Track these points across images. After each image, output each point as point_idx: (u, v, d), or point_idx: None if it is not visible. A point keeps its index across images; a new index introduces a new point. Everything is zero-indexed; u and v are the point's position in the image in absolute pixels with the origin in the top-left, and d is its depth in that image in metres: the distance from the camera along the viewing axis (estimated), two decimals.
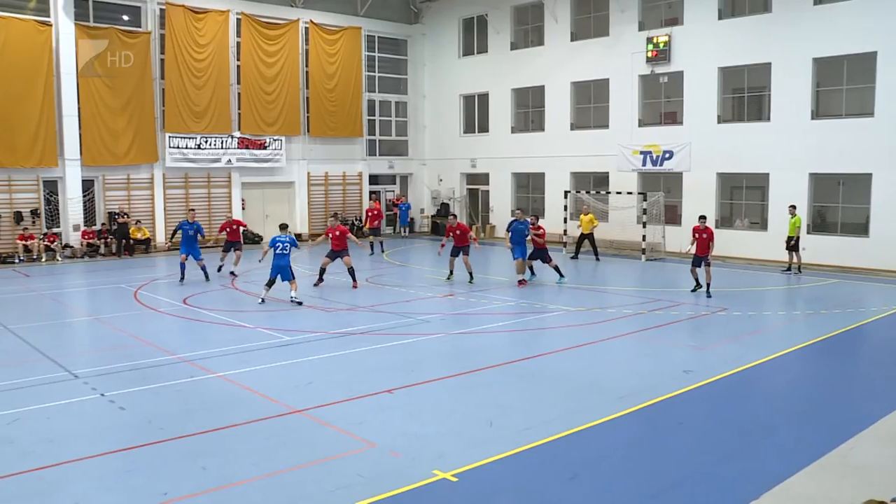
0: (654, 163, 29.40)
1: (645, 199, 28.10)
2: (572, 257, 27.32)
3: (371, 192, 37.23)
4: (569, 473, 7.89)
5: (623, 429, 9.44)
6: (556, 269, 21.23)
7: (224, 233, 23.88)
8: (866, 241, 24.15)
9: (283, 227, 19.72)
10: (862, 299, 19.01)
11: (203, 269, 21.84)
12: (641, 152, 29.72)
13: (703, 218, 19.81)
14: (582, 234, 27.32)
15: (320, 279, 21.01)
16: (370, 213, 29.36)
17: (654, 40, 29.03)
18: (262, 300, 18.06)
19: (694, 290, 19.34)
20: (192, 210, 23.54)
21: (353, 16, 36.19)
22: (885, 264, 23.18)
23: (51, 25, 28.02)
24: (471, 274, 21.31)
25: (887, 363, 13.36)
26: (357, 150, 36.84)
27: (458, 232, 21.49)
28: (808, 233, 25.12)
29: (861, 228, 24.55)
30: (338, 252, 20.72)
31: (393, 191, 38.98)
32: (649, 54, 29.17)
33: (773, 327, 15.91)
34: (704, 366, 12.28)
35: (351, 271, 20.67)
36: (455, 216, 23.26)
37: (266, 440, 8.92)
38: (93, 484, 7.78)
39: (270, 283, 18.27)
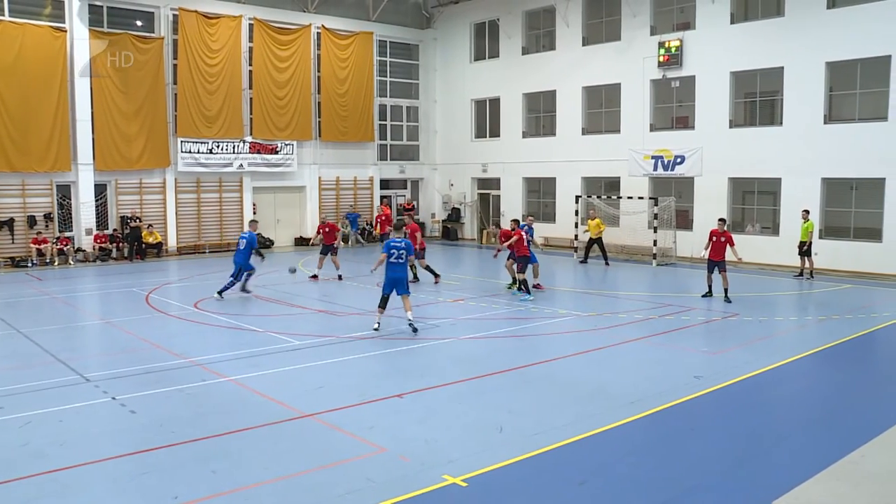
0: (665, 167, 29.34)
1: (656, 204, 28.05)
2: (581, 262, 27.29)
3: (382, 197, 37.30)
4: (579, 479, 7.87)
5: (633, 434, 9.41)
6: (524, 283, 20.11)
7: (320, 236, 23.76)
8: (879, 247, 24.01)
9: (399, 226, 17.32)
10: (874, 305, 18.89)
11: (245, 281, 20.18)
12: (653, 157, 29.67)
13: (721, 221, 19.70)
14: (591, 238, 27.29)
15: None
16: (380, 219, 29.33)
17: (666, 45, 28.99)
18: (377, 327, 15.33)
19: (705, 296, 19.28)
20: (255, 221, 22.63)
21: (364, 21, 36.28)
22: None
23: (65, 31, 28.24)
24: (514, 279, 20.70)
25: None
26: (368, 154, 36.91)
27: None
28: (821, 237, 25.01)
29: (875, 233, 24.41)
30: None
31: (404, 195, 39.02)
32: (661, 59, 29.13)
33: (784, 333, 15.84)
34: (715, 371, 12.23)
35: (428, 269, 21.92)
36: (516, 220, 21.46)
37: (276, 444, 8.93)
38: (105, 486, 7.81)
39: (384, 302, 15.39)
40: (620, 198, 30.06)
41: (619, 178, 30.96)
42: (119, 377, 11.91)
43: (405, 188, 39.22)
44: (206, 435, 9.18)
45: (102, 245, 28.96)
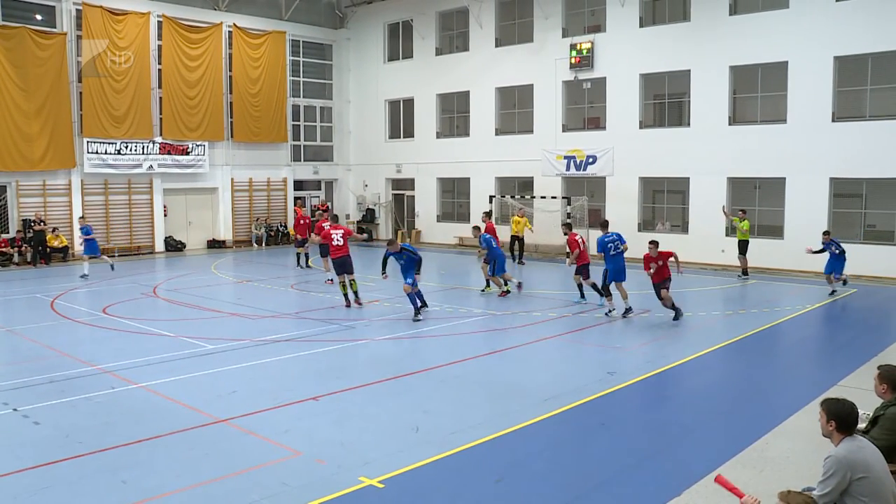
0: (577, 167, 29.84)
1: (569, 204, 28.50)
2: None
3: (296, 198, 36.92)
4: (495, 477, 7.94)
5: (548, 431, 9.54)
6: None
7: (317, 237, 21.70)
8: (781, 243, 24.93)
9: (605, 224, 18.89)
10: (777, 299, 19.62)
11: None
12: (565, 157, 30.14)
13: (653, 244, 16.57)
14: (512, 235, 27.56)
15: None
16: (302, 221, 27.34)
17: (578, 47, 29.48)
18: (612, 311, 17.24)
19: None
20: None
21: (277, 20, 35.85)
22: (798, 265, 23.91)
23: None
24: (487, 283, 20.72)
25: (800, 360, 13.84)
26: (282, 155, 36.49)
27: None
28: (726, 235, 25.83)
29: (777, 231, 25.34)
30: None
31: (319, 196, 38.71)
32: (573, 60, 29.61)
33: (694, 328, 16.27)
34: (628, 367, 12.50)
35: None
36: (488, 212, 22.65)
37: (189, 451, 8.76)
38: (7, 502, 7.51)
39: (606, 289, 17.73)
40: (534, 197, 30.44)
41: (532, 177, 31.36)
42: (21, 387, 11.47)
43: (320, 189, 38.90)
44: (115, 444, 8.92)
45: (3, 250, 27.84)
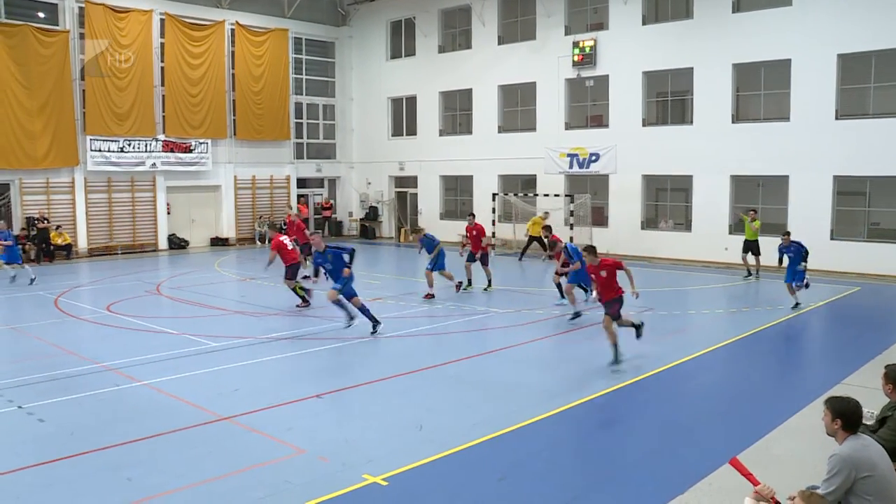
0: (580, 165, 29.82)
1: (572, 202, 28.50)
2: (519, 259, 27.57)
3: (299, 196, 36.96)
4: (497, 475, 7.94)
5: (550, 429, 9.53)
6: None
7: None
8: None
9: (787, 233, 18.63)
10: (781, 298, 19.54)
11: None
12: (568, 155, 30.12)
13: (589, 251, 13.09)
14: (530, 236, 27.57)
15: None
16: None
17: (580, 45, 29.45)
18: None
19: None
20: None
21: (279, 17, 35.84)
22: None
23: None
24: (490, 281, 20.57)
25: (804, 359, 13.82)
26: (285, 153, 36.49)
27: (474, 233, 20.89)
28: (730, 233, 25.80)
29: (780, 229, 25.24)
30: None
31: (322, 194, 38.73)
32: (575, 58, 29.58)
33: (697, 326, 16.27)
34: (631, 365, 12.47)
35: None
36: (473, 216, 21.87)
37: (193, 448, 8.78)
38: (9, 501, 7.53)
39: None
40: (537, 195, 30.43)
41: (535, 175, 31.33)
42: (26, 384, 11.50)
43: (322, 187, 38.92)
44: (119, 441, 8.94)
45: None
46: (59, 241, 28.93)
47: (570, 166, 30.15)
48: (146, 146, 31.40)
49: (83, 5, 29.57)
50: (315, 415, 10.01)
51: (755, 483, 5.71)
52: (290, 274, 18.26)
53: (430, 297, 19.04)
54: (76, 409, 10.33)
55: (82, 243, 30.09)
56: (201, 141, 32.94)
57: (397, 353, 13.72)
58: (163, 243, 32.33)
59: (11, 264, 22.31)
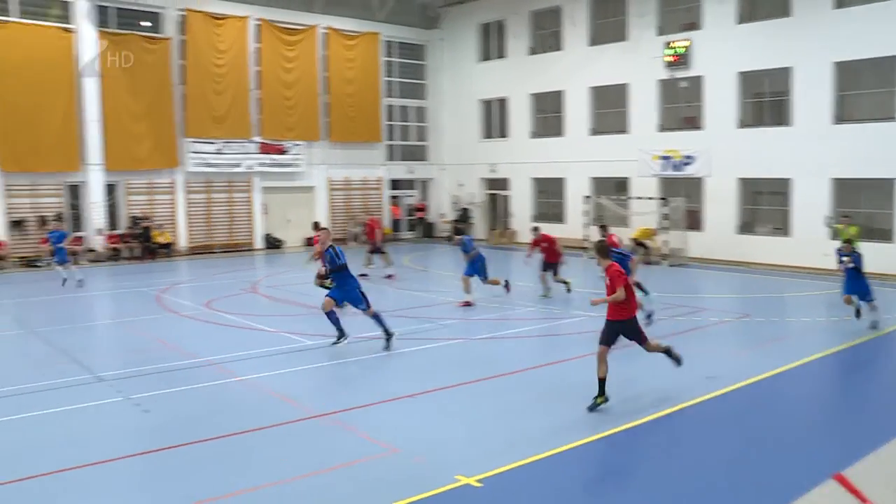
0: (674, 168, 29.30)
1: (666, 205, 28.02)
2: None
3: (393, 198, 37.42)
4: (593, 480, 7.88)
5: (645, 435, 9.38)
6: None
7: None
8: (891, 247, 23.89)
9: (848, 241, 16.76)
10: (887, 305, 18.80)
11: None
12: (661, 157, 29.63)
13: (602, 243, 14.91)
14: (635, 240, 27.01)
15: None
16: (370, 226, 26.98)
17: (674, 45, 28.93)
18: None
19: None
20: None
21: (370, 21, 36.29)
22: None
23: (73, 32, 28.32)
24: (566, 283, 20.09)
25: None
26: (377, 154, 36.95)
27: (544, 245, 19.82)
28: (831, 238, 24.92)
29: (886, 234, 24.32)
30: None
31: (413, 196, 39.06)
32: (668, 59, 29.08)
33: (796, 334, 15.80)
34: (727, 373, 12.19)
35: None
36: (537, 228, 21.01)
37: (288, 444, 8.97)
38: (116, 485, 7.88)
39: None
40: (629, 198, 30.03)
41: (627, 178, 30.91)
42: (132, 376, 11.96)
43: (414, 189, 39.24)
44: (217, 435, 9.20)
45: (113, 245, 29.07)
46: (161, 239, 29.99)
47: (664, 169, 29.65)
48: (242, 148, 32.26)
49: (184, 14, 30.62)
50: (408, 414, 10.09)
51: (865, 501, 5.51)
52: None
53: (466, 304, 18.29)
54: (178, 402, 10.69)
55: (182, 242, 31.11)
56: (296, 143, 33.65)
57: (493, 355, 13.73)
58: (258, 242, 33.13)
59: (63, 265, 22.22)
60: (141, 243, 29.39)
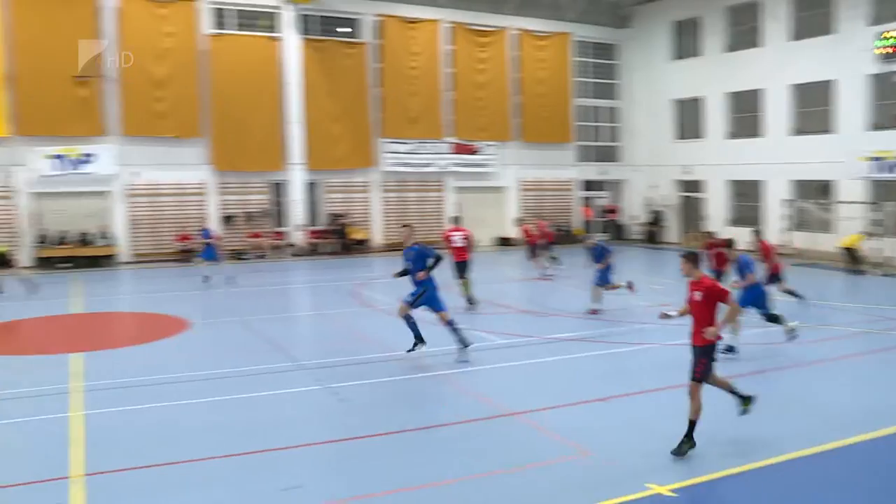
0: (886, 170, 27.23)
1: (877, 210, 26.08)
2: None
3: (585, 199, 37.18)
4: (799, 495, 7.48)
5: (846, 458, 8.63)
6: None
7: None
8: None
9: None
10: None
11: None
12: (872, 159, 27.64)
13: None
14: (845, 248, 25.37)
15: None
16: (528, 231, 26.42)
17: (888, 35, 26.84)
18: None
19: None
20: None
21: (561, 21, 36.15)
22: None
23: (279, 40, 30.13)
24: None
25: None
26: (567, 155, 36.80)
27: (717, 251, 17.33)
28: None
29: None
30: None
31: (605, 197, 38.56)
32: (881, 51, 27.06)
33: None
34: None
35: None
36: (709, 232, 19.75)
37: (479, 440, 9.07)
38: (312, 468, 8.29)
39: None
40: (834, 203, 28.22)
41: (832, 181, 29.06)
42: (331, 366, 12.51)
43: (605, 190, 38.72)
44: (410, 427, 9.46)
45: (312, 240, 30.66)
46: (357, 236, 31.31)
47: (874, 171, 27.65)
48: (435, 148, 33.08)
49: (380, 19, 31.81)
50: (599, 417, 9.95)
51: None
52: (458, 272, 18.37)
53: (594, 312, 17.29)
54: (373, 393, 11.11)
55: (377, 238, 32.29)
56: (487, 143, 34.12)
57: (686, 361, 13.28)
58: None
59: (209, 262, 23.03)
60: (338, 239, 30.82)
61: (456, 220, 19.95)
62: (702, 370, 8.72)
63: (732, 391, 9.11)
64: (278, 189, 31.14)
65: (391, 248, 32.19)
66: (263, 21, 30.48)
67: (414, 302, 13.10)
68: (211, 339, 15.43)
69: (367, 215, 32.33)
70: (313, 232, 31.05)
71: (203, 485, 7.83)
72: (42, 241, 27.64)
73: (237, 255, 29.19)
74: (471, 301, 18.10)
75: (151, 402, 10.70)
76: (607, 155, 38.57)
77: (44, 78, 27.12)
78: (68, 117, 27.65)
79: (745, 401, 9.13)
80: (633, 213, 38.40)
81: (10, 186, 27.46)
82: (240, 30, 29.90)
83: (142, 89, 28.54)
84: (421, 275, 13.13)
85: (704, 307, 8.74)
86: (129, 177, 28.90)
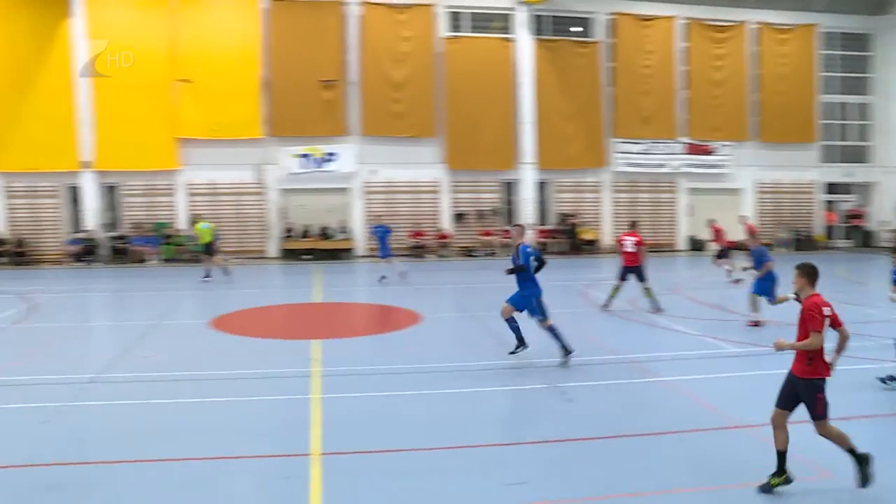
0: None
1: None
2: None
3: (827, 203, 34.80)
4: None
5: None
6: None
7: None
8: None
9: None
10: None
11: None
12: None
13: None
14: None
15: None
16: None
17: None
18: None
19: None
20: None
21: (806, 12, 34.04)
22: None
23: (512, 41, 30.55)
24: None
25: None
26: (810, 156, 34.67)
27: None
28: None
29: None
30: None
31: (850, 201, 35.88)
32: None
33: None
34: None
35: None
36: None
37: (704, 451, 8.73)
38: (537, 466, 8.27)
39: None
40: None
41: None
42: (557, 366, 12.46)
43: (852, 193, 36.00)
44: (634, 432, 9.25)
45: (542, 240, 30.83)
46: (586, 236, 31.17)
47: None
48: (668, 148, 32.22)
49: (613, 17, 31.39)
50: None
51: None
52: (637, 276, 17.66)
53: (755, 324, 15.85)
54: (599, 395, 11.01)
55: (606, 239, 31.94)
56: (723, 143, 32.79)
57: None
58: (681, 243, 32.85)
59: (387, 259, 23.32)
60: (567, 239, 30.80)
61: (632, 224, 19.51)
62: (818, 410, 7.44)
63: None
64: (509, 188, 31.61)
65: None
66: (497, 23, 31.05)
67: (518, 305, 12.84)
68: (441, 333, 15.93)
69: (597, 216, 32.08)
70: (542, 231, 31.21)
71: (428, 473, 8.10)
72: (288, 234, 29.72)
73: (467, 252, 29.96)
74: (654, 307, 17.56)
75: (382, 390, 11.25)
76: (855, 155, 35.84)
77: (294, 83, 29.33)
78: (314, 119, 29.76)
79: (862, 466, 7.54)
80: (883, 218, 35.34)
81: (262, 183, 29.83)
82: (474, 32, 30.65)
83: (381, 91, 30.09)
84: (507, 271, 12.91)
85: (802, 329, 7.45)
86: (368, 175, 30.49)
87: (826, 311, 7.24)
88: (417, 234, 30.17)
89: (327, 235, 30.28)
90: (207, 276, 23.47)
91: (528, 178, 31.35)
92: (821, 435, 7.51)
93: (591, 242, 31.38)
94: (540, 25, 31.37)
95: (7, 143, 28.86)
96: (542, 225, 31.52)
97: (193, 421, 9.89)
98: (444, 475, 8.03)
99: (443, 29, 30.63)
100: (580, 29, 32.09)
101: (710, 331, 15.51)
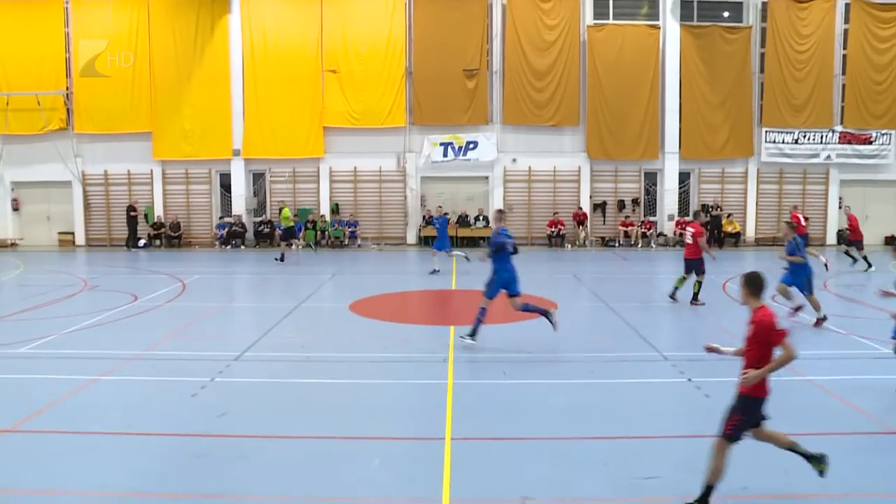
0: None
1: None
2: None
3: None
4: None
5: None
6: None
7: None
8: None
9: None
10: None
11: None
12: None
13: None
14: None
15: None
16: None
17: None
18: None
19: None
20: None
21: None
22: None
23: (658, 28, 29.87)
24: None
25: None
26: None
27: None
28: None
29: None
30: None
31: None
32: None
33: None
34: None
35: None
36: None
37: (866, 457, 8.36)
38: (671, 461, 8.15)
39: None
40: None
41: None
42: (695, 360, 12.21)
43: None
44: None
45: (682, 231, 30.09)
46: (730, 228, 30.21)
47: None
48: (821, 138, 30.73)
49: (766, 1, 30.20)
50: None
51: None
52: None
53: (794, 311, 15.46)
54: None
55: (750, 232, 30.88)
56: (883, 132, 30.92)
57: None
58: (830, 238, 31.27)
59: (445, 251, 22.91)
60: (711, 231, 29.88)
61: (695, 215, 19.38)
62: (732, 427, 6.99)
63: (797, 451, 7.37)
64: (650, 178, 31.02)
65: (765, 242, 30.63)
66: (644, 9, 30.45)
67: (488, 291, 13.24)
68: (575, 322, 15.79)
69: (742, 207, 30.99)
70: (683, 222, 30.45)
71: (558, 460, 8.12)
72: (427, 221, 30.20)
73: (606, 243, 29.64)
74: (695, 298, 17.36)
75: (512, 378, 11.37)
76: None
77: (437, 72, 29.75)
78: (456, 108, 30.12)
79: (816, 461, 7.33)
80: None
81: (403, 171, 30.47)
82: (620, 19, 30.17)
83: (523, 80, 30.10)
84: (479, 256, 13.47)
85: (755, 347, 7.05)
86: (508, 163, 30.59)
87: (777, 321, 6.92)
88: (555, 223, 30.07)
89: (465, 223, 30.59)
90: (281, 258, 25.32)
91: (671, 168, 30.61)
92: (712, 450, 7.02)
93: (735, 235, 30.36)
94: (687, 11, 30.51)
95: (166, 132, 30.68)
96: (684, 216, 30.67)
97: (331, 400, 10.28)
98: (575, 463, 8.04)
99: (588, 17, 30.31)
100: (729, 14, 31.00)
101: (859, 330, 14.75)
